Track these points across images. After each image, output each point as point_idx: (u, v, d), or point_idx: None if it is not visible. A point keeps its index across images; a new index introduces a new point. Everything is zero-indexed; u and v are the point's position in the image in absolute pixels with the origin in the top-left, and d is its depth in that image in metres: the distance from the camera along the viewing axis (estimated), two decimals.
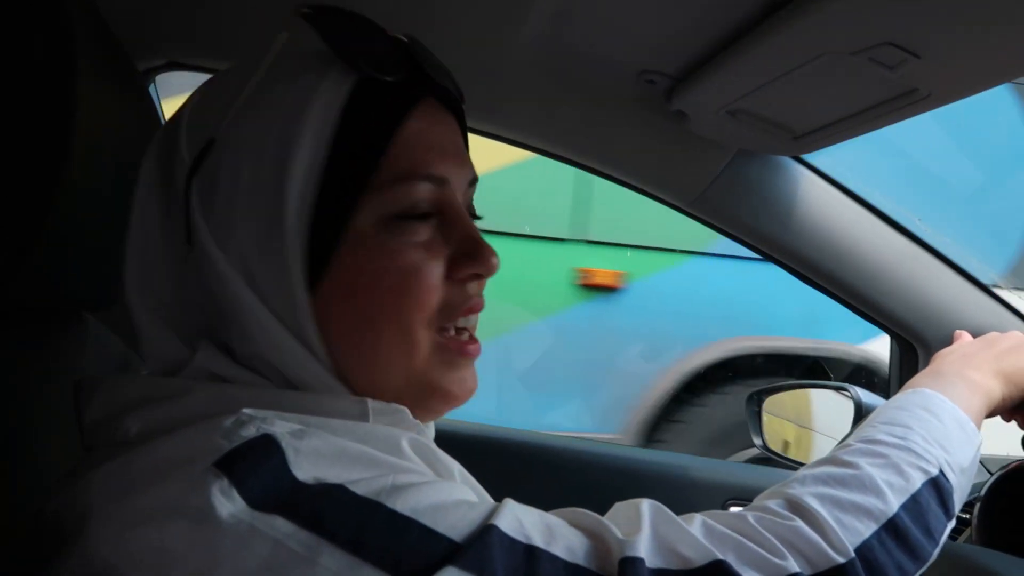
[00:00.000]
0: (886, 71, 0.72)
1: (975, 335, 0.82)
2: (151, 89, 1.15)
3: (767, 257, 1.17)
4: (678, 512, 0.51)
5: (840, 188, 1.12)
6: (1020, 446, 0.99)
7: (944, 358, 0.74)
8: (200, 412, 0.45)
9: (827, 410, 1.34)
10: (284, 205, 0.48)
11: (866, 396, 1.16)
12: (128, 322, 0.79)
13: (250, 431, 0.42)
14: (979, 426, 0.65)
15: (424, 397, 0.54)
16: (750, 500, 0.56)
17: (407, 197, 0.51)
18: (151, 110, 0.78)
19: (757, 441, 1.34)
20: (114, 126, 0.64)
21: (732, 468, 1.41)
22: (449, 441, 0.61)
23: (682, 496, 1.29)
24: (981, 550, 0.87)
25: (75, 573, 0.40)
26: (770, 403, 1.38)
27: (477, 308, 0.56)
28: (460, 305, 0.54)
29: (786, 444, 1.43)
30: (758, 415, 1.37)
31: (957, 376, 0.69)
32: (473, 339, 0.56)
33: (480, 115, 1.06)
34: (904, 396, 0.66)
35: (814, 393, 1.51)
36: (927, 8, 0.62)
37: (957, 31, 0.65)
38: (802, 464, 1.26)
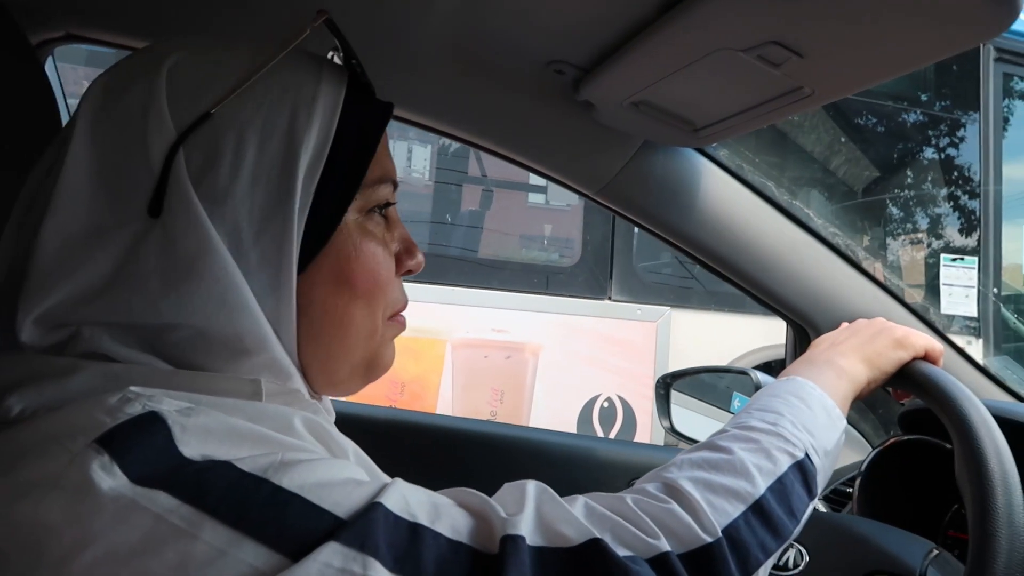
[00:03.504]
0: (773, 69, 0.75)
1: None
2: (48, 62, 1.10)
3: (670, 245, 1.22)
4: (582, 490, 0.54)
5: (739, 179, 1.17)
6: (896, 423, 1.06)
7: (817, 346, 0.79)
8: (87, 391, 0.45)
9: None
10: (293, 188, 0.51)
11: (765, 379, 1.22)
12: None
13: (135, 408, 0.42)
14: (845, 409, 0.70)
15: (371, 370, 0.60)
16: None
17: (381, 197, 0.58)
18: (45, 85, 0.75)
19: (665, 423, 1.39)
20: (2, 103, 0.62)
21: (635, 448, 1.46)
22: (350, 422, 0.62)
23: (588, 475, 1.33)
24: (858, 519, 0.93)
25: None
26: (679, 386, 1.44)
27: (406, 302, 0.63)
28: (401, 298, 0.62)
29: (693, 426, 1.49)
30: (666, 398, 1.42)
31: (826, 364, 0.73)
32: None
33: (389, 99, 1.06)
34: (779, 384, 0.70)
35: None
36: (806, 9, 0.65)
37: (834, 32, 0.68)
38: None
